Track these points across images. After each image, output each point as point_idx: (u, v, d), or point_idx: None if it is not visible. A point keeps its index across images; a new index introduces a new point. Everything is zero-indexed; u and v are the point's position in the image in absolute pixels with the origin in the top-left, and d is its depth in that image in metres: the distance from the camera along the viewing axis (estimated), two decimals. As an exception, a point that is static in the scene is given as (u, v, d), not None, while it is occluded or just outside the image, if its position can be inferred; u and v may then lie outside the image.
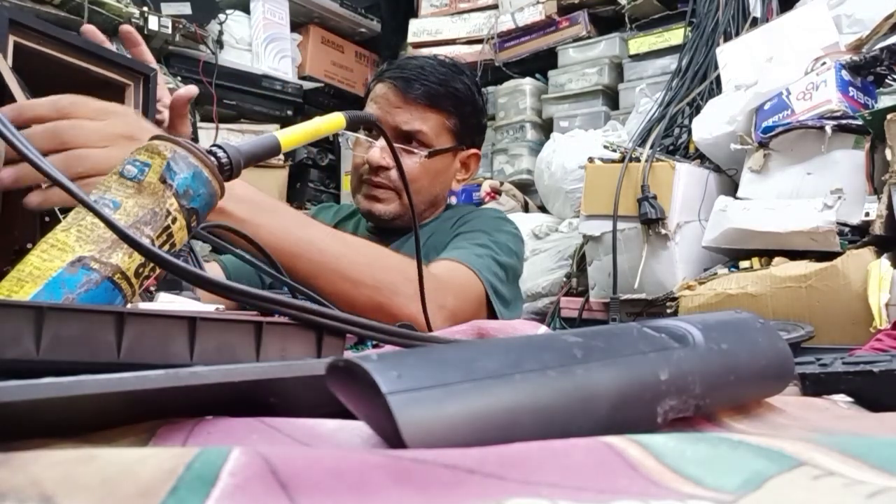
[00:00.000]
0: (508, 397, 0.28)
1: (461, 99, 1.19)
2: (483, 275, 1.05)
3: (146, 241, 0.47)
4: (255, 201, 0.76)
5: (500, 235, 1.15)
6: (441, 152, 1.18)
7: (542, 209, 2.43)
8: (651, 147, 1.82)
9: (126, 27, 0.90)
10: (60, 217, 0.60)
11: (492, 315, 1.07)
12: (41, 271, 0.43)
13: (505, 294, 1.10)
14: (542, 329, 0.65)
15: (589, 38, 2.59)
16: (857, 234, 1.43)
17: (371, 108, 1.19)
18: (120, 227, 0.40)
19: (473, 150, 1.25)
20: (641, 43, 2.44)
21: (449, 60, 1.25)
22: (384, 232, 1.22)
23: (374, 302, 0.82)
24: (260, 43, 2.85)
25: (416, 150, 1.15)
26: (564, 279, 2.04)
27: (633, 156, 1.79)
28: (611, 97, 2.53)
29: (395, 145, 1.12)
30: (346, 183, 2.96)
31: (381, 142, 1.13)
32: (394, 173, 1.14)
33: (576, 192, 2.07)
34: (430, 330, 0.78)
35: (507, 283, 1.11)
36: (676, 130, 1.99)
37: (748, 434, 0.32)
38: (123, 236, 0.40)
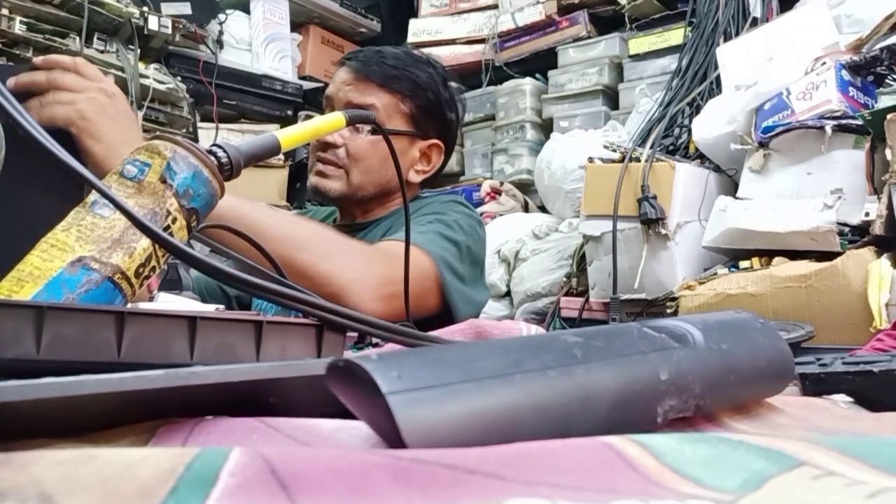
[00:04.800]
0: (508, 397, 0.28)
1: (419, 85, 1.15)
2: (428, 248, 1.01)
3: (146, 242, 0.47)
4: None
5: (451, 215, 1.11)
6: (393, 133, 1.10)
7: (542, 209, 2.43)
8: (651, 147, 1.82)
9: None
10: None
11: (441, 292, 1.02)
12: (41, 271, 0.43)
13: (459, 269, 1.05)
14: (535, 330, 0.65)
15: (589, 38, 2.59)
16: (857, 234, 1.43)
17: (329, 91, 1.18)
18: (134, 214, 0.40)
19: (434, 141, 1.19)
20: (641, 43, 2.44)
21: (420, 54, 1.22)
22: (350, 228, 1.18)
23: (281, 258, 0.72)
24: (260, 43, 2.85)
25: (360, 127, 1.11)
26: (564, 279, 2.04)
27: (633, 156, 1.79)
28: (611, 97, 2.53)
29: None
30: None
31: None
32: (342, 151, 1.12)
33: (576, 192, 2.07)
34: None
35: (460, 259, 1.06)
36: (676, 130, 1.99)
37: (748, 434, 0.32)
38: (138, 224, 0.40)
